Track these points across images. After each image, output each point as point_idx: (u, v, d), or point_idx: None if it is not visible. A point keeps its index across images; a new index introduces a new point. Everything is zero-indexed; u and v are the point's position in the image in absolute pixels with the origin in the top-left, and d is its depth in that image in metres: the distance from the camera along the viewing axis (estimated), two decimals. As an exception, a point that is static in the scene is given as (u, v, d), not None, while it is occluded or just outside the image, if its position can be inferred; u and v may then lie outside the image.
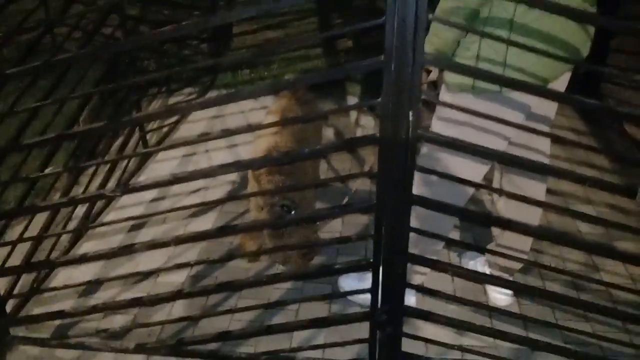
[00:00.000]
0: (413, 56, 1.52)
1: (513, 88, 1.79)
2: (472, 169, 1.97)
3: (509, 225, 1.87)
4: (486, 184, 1.91)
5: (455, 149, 1.80)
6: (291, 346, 2.18)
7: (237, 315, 2.30)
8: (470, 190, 2.07)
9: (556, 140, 1.80)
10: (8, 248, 2.30)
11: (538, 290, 2.15)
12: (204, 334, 2.17)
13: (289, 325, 2.12)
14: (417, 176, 2.07)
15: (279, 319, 2.30)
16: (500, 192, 1.85)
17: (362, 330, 1.99)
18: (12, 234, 2.58)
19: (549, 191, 2.99)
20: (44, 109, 2.44)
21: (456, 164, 1.94)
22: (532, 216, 2.24)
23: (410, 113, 1.60)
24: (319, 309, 2.34)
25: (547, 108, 2.02)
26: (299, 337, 2.22)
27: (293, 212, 2.15)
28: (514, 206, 2.19)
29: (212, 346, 2.15)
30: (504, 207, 2.26)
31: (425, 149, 2.08)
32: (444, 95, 1.96)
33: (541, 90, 1.79)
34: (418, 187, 2.06)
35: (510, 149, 2.04)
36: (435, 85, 2.10)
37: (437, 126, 2.00)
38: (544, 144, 2.16)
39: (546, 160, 2.17)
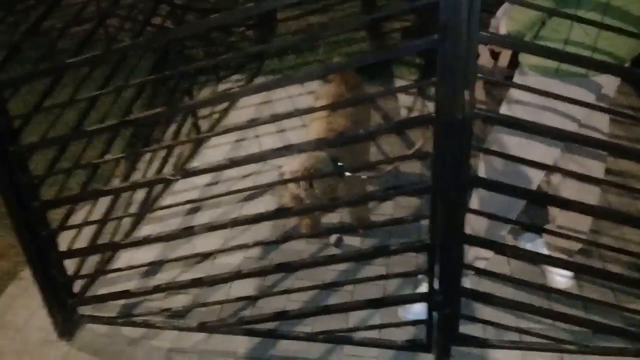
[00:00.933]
0: (468, 34, 1.51)
1: (601, 71, 1.74)
2: (542, 154, 1.92)
3: (574, 205, 1.82)
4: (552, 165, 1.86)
5: (516, 127, 1.77)
6: (348, 326, 2.21)
7: (294, 295, 2.34)
8: (538, 178, 2.03)
9: (620, 115, 1.75)
10: (74, 232, 2.41)
11: (599, 270, 2.11)
12: (262, 314, 2.22)
13: (346, 305, 2.15)
14: (483, 164, 2.07)
15: (334, 299, 2.34)
16: (567, 172, 1.80)
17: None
18: (77, 218, 2.69)
19: (607, 171, 2.94)
20: (99, 100, 2.53)
21: (525, 149, 1.90)
22: (592, 196, 2.19)
23: (466, 92, 1.59)
24: (373, 291, 2.35)
25: (610, 87, 1.96)
26: (354, 318, 2.25)
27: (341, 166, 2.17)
28: (574, 186, 2.14)
29: (270, 325, 2.19)
30: (563, 188, 2.21)
31: (491, 136, 2.04)
32: (518, 79, 1.92)
33: (626, 71, 1.74)
34: (482, 175, 2.05)
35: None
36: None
37: (507, 110, 1.96)
38: (604, 123, 2.10)
39: (605, 139, 2.12)
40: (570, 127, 1.90)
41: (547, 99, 1.77)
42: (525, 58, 1.89)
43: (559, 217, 2.29)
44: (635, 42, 1.74)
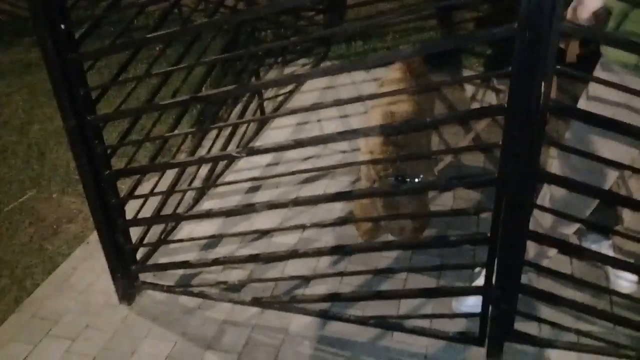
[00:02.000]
0: (549, 25, 1.46)
1: None
2: (620, 153, 1.85)
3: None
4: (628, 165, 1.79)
5: (592, 123, 1.70)
6: (398, 313, 2.21)
7: (347, 279, 2.36)
8: (612, 178, 1.95)
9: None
10: (140, 201, 2.50)
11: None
12: (315, 294, 2.25)
13: (400, 292, 2.15)
14: (557, 160, 2.01)
15: (386, 286, 2.34)
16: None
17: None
18: (144, 189, 2.80)
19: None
20: (171, 77, 2.61)
21: (602, 147, 1.84)
22: None
23: (543, 84, 1.55)
24: (426, 281, 2.34)
25: None
26: (406, 306, 2.24)
27: (408, 180, 2.13)
28: None
29: (323, 306, 2.22)
30: (637, 188, 2.12)
31: (569, 132, 1.98)
32: (599, 73, 1.85)
33: None
34: (557, 170, 1.99)
35: None
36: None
37: (585, 105, 1.89)
38: None
39: None
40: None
41: (627, 97, 1.70)
42: (606, 50, 1.81)
43: (628, 220, 2.20)
44: None
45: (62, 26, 1.85)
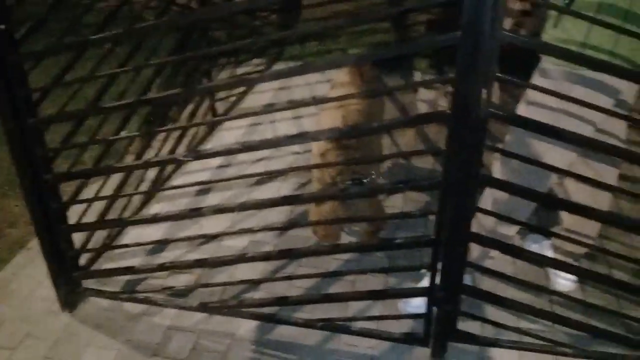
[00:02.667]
0: (491, 33, 1.49)
1: (618, 76, 1.71)
2: (559, 157, 1.91)
3: (586, 212, 1.81)
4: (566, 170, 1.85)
5: (531, 129, 1.75)
6: (346, 315, 2.22)
7: (296, 282, 2.35)
8: (552, 179, 2.02)
9: (637, 123, 1.73)
10: (84, 205, 2.44)
11: (604, 277, 2.10)
12: (264, 298, 2.24)
13: (346, 295, 2.17)
14: (499, 162, 2.06)
15: (335, 288, 2.35)
16: (580, 177, 1.79)
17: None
18: (88, 192, 2.72)
19: (622, 177, 2.90)
20: (120, 76, 2.55)
21: (542, 151, 1.89)
22: (602, 201, 2.17)
23: (484, 91, 1.58)
24: (374, 282, 2.36)
25: (630, 93, 1.94)
26: (354, 308, 2.26)
27: (365, 181, 2.14)
28: (585, 190, 2.13)
29: (271, 310, 2.21)
30: (574, 191, 2.20)
31: (509, 136, 2.03)
32: (536, 79, 1.90)
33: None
34: (498, 173, 2.04)
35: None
36: None
37: (525, 111, 1.94)
38: (620, 129, 2.08)
39: (621, 145, 2.09)
40: (587, 130, 1.88)
41: (565, 102, 1.75)
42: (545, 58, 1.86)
43: (567, 220, 2.28)
44: None
45: (2, 26, 1.79)
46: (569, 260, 2.31)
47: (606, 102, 1.81)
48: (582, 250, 2.29)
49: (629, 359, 1.98)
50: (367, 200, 2.30)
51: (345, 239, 2.61)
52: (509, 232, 2.14)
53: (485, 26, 1.48)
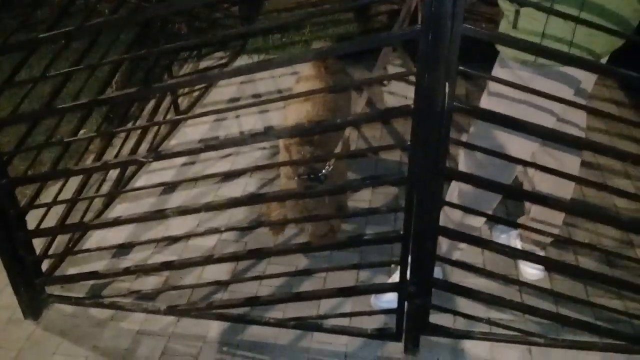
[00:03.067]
0: (452, 26, 1.48)
1: (577, 66, 1.71)
2: (521, 147, 1.92)
3: (550, 202, 1.83)
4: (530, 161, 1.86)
5: (494, 122, 1.75)
6: (318, 313, 2.20)
7: (266, 281, 2.33)
8: (516, 170, 2.03)
9: (597, 113, 1.74)
10: (43, 210, 2.36)
11: (570, 267, 2.13)
12: (233, 298, 2.21)
13: (317, 292, 2.15)
14: (463, 155, 2.05)
15: (307, 286, 2.32)
16: (544, 168, 1.80)
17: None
18: (48, 195, 2.64)
19: (586, 164, 2.94)
20: (77, 73, 2.46)
21: (505, 142, 1.90)
22: (566, 189, 2.19)
23: (447, 84, 1.57)
24: (346, 278, 2.35)
25: (589, 82, 1.95)
26: (326, 305, 2.24)
27: (321, 177, 2.12)
28: (549, 179, 2.15)
29: (241, 310, 2.18)
30: (538, 180, 2.21)
31: (473, 128, 2.03)
32: (497, 70, 1.90)
33: (603, 68, 1.72)
34: (463, 165, 2.04)
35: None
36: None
37: (487, 102, 1.94)
38: (581, 117, 2.10)
39: (582, 133, 2.12)
40: (549, 120, 1.89)
41: (524, 93, 1.75)
42: (503, 48, 1.86)
43: (533, 209, 2.30)
44: (611, 39, 1.72)
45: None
46: (536, 250, 2.33)
47: (566, 91, 1.82)
48: (548, 239, 2.31)
49: (596, 346, 2.01)
50: (327, 199, 2.28)
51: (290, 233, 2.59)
52: (477, 223, 2.15)
53: (446, 19, 1.46)
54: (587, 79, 1.90)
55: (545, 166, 1.79)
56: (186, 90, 3.72)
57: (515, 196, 2.48)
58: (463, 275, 2.29)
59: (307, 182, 2.07)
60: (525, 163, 1.82)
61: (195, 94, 3.75)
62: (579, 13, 1.64)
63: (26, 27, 3.99)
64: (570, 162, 2.16)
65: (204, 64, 4.16)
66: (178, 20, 4.54)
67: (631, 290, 1.97)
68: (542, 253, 2.36)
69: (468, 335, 2.07)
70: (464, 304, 2.19)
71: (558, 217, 2.28)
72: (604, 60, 1.85)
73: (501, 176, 1.94)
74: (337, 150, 2.06)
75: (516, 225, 2.04)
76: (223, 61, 4.14)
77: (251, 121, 3.45)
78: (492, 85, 1.93)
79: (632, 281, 1.93)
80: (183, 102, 3.64)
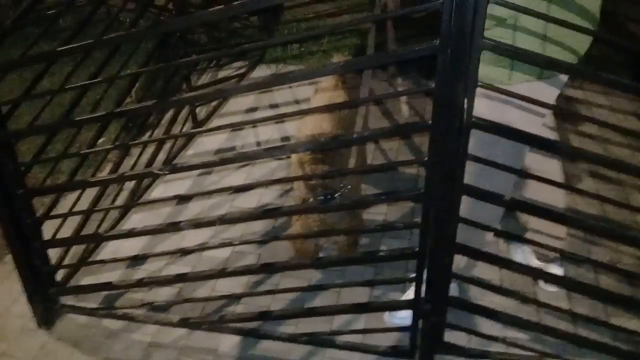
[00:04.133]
0: (471, 42, 1.46)
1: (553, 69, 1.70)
2: (515, 157, 1.92)
3: (568, 220, 1.80)
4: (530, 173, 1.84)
5: (509, 137, 1.73)
6: (331, 329, 2.18)
7: (279, 294, 2.30)
8: (514, 177, 2.01)
9: (617, 129, 1.70)
10: (60, 220, 2.37)
11: (589, 286, 2.07)
12: (246, 312, 2.19)
13: (330, 308, 2.12)
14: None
15: (320, 300, 2.30)
16: (561, 185, 1.77)
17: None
18: (65, 204, 2.66)
19: (608, 180, 2.89)
20: (94, 85, 2.48)
21: (501, 153, 1.88)
22: (559, 197, 2.19)
23: (465, 100, 1.54)
24: (360, 293, 2.32)
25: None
26: (339, 320, 2.21)
27: (337, 196, 2.10)
28: (545, 190, 2.13)
29: (253, 324, 2.16)
30: (534, 191, 2.19)
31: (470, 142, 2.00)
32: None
33: (590, 75, 1.70)
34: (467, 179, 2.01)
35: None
36: None
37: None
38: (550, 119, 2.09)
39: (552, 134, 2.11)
40: (538, 129, 1.87)
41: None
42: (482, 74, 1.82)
43: (530, 221, 2.26)
44: (587, 37, 1.72)
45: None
46: (550, 266, 2.28)
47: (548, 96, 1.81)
48: (553, 253, 2.27)
49: (616, 368, 1.96)
50: (344, 213, 2.26)
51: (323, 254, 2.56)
52: (488, 237, 2.11)
53: (466, 34, 1.44)
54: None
55: (545, 177, 1.76)
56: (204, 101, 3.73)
57: (526, 209, 2.44)
58: (479, 292, 2.24)
59: (321, 201, 2.06)
60: (523, 174, 1.81)
61: (213, 104, 3.76)
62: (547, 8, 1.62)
63: (48, 36, 4.05)
64: (553, 167, 2.14)
65: (222, 73, 4.17)
66: (198, 30, 4.57)
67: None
68: (558, 266, 2.31)
69: (483, 355, 2.03)
70: (480, 322, 2.15)
71: (560, 229, 2.23)
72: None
73: (501, 186, 1.92)
74: (352, 160, 2.04)
75: (525, 241, 2.01)
76: (242, 71, 4.16)
77: (268, 131, 3.45)
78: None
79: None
80: (201, 112, 3.65)
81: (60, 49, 1.77)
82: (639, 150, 3.11)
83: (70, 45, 1.78)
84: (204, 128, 3.17)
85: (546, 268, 2.32)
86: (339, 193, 1.98)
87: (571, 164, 3.00)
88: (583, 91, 3.66)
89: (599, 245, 2.52)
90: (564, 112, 3.47)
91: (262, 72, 4.18)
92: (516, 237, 2.35)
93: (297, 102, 3.74)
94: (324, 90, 2.66)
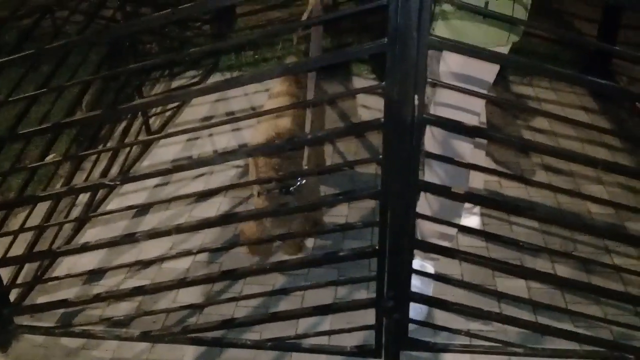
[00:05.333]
0: (418, 38, 1.47)
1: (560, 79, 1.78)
2: (469, 149, 1.98)
3: (521, 210, 1.84)
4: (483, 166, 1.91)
5: (462, 133, 1.76)
6: (297, 332, 2.16)
7: (242, 302, 2.28)
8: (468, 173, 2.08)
9: (567, 121, 1.75)
10: (11, 237, 2.29)
11: (547, 275, 2.12)
12: (209, 321, 2.16)
13: (294, 312, 2.11)
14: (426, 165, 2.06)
15: (284, 305, 2.28)
16: (527, 181, 1.84)
17: (368, 316, 1.97)
18: (15, 221, 2.57)
19: (560, 172, 2.97)
20: (45, 94, 2.41)
21: (455, 143, 1.92)
22: (478, 180, 2.45)
23: (416, 97, 1.56)
24: (324, 295, 2.31)
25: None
26: (304, 324, 2.20)
27: (292, 189, 2.10)
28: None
29: (217, 333, 2.13)
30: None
31: (428, 132, 2.04)
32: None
33: (575, 76, 1.75)
34: (430, 166, 2.05)
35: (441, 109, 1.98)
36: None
37: (432, 110, 1.98)
38: (483, 110, 2.17)
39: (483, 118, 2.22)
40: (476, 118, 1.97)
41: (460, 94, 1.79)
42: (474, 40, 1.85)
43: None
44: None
45: None
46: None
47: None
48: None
49: (577, 353, 2.00)
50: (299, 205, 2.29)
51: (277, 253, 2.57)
52: (452, 231, 2.14)
53: (412, 32, 1.46)
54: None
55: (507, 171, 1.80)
56: (158, 110, 3.67)
57: (485, 203, 2.49)
58: (441, 286, 2.26)
59: (278, 196, 2.05)
60: (478, 168, 1.86)
61: (167, 114, 3.70)
62: None
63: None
64: (478, 154, 2.27)
65: (175, 83, 4.12)
66: (149, 40, 4.50)
67: (608, 297, 1.97)
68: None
69: (448, 348, 2.05)
70: (444, 317, 2.17)
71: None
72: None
73: (456, 177, 1.96)
74: (306, 159, 2.04)
75: (481, 233, 2.07)
76: (195, 80, 4.11)
77: (224, 140, 3.42)
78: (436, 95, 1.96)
79: (609, 287, 1.94)
80: (155, 123, 3.59)
81: (1, 60, 1.71)
82: (588, 142, 3.21)
83: (13, 56, 1.73)
84: (157, 135, 3.11)
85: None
86: (294, 187, 1.98)
87: (525, 158, 3.08)
88: (532, 87, 3.75)
89: (555, 236, 2.58)
90: (516, 106, 3.56)
91: (216, 80, 4.15)
92: (473, 230, 2.40)
93: (253, 109, 3.72)
94: (277, 95, 2.65)
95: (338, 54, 2.19)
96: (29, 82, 2.51)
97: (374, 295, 1.91)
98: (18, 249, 2.33)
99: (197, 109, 3.80)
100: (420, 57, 1.51)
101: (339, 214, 2.77)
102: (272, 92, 2.72)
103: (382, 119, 1.61)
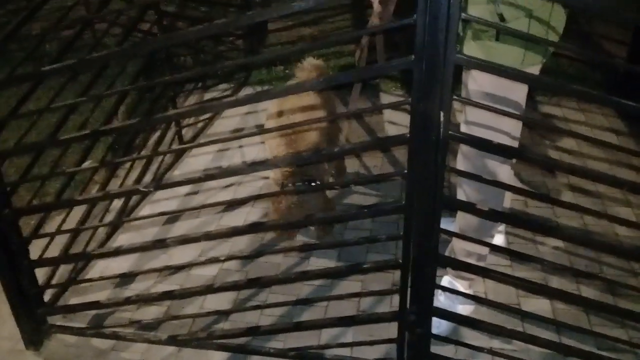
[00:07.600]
0: (444, 56, 1.51)
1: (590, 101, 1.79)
2: (504, 169, 1.96)
3: (543, 229, 1.84)
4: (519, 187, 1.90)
5: (486, 149, 1.78)
6: (319, 343, 2.19)
7: (267, 310, 2.32)
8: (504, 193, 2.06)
9: (596, 142, 1.76)
10: (47, 239, 2.38)
11: (572, 296, 2.11)
12: (234, 328, 2.20)
13: (317, 322, 2.14)
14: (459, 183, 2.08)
15: (308, 315, 2.32)
16: (553, 200, 1.84)
17: (391, 329, 1.99)
18: (52, 224, 2.67)
19: (587, 193, 2.95)
20: (84, 103, 2.51)
21: (491, 166, 1.93)
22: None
23: (442, 113, 1.59)
24: (348, 306, 2.34)
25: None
26: (327, 335, 2.23)
27: (313, 185, 2.18)
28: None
29: (242, 340, 2.18)
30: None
31: (460, 151, 2.06)
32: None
33: (603, 97, 1.76)
34: (461, 185, 2.06)
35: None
36: None
37: (465, 129, 1.99)
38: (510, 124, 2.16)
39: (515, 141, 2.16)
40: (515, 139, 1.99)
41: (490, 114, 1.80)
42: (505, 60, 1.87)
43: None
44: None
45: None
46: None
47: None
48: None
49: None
50: (320, 197, 2.37)
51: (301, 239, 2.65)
52: (483, 250, 2.15)
53: (439, 49, 1.49)
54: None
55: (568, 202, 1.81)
56: (190, 121, 3.77)
57: (516, 223, 2.49)
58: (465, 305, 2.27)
59: (299, 186, 2.13)
60: (510, 188, 1.86)
61: (200, 125, 3.80)
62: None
63: (34, 59, 4.06)
64: (503, 171, 2.17)
65: (208, 95, 4.22)
66: (183, 53, 4.63)
67: (634, 320, 1.95)
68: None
69: (470, 365, 2.05)
70: (466, 333, 2.17)
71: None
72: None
73: (494, 201, 1.96)
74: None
75: (509, 252, 2.06)
76: (227, 93, 4.21)
77: (254, 151, 3.49)
78: (467, 113, 1.98)
79: (635, 310, 1.92)
80: (187, 134, 3.68)
81: (44, 68, 1.80)
82: (616, 164, 3.19)
83: (54, 65, 1.82)
84: (189, 144, 3.20)
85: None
86: (315, 182, 2.06)
87: (551, 178, 3.08)
88: (560, 108, 3.74)
89: (581, 257, 2.57)
90: (544, 126, 3.55)
91: (247, 93, 4.23)
92: (503, 249, 2.41)
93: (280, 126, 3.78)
94: (294, 111, 2.71)
95: (366, 71, 2.23)
96: (68, 92, 2.62)
97: (396, 308, 1.93)
98: (54, 251, 2.42)
99: (228, 121, 3.88)
100: (446, 74, 1.54)
101: (364, 227, 2.81)
102: (288, 109, 2.78)
103: (408, 134, 1.65)
